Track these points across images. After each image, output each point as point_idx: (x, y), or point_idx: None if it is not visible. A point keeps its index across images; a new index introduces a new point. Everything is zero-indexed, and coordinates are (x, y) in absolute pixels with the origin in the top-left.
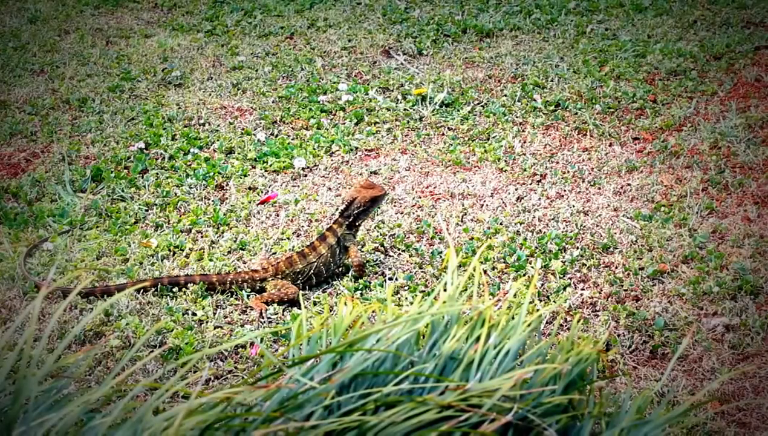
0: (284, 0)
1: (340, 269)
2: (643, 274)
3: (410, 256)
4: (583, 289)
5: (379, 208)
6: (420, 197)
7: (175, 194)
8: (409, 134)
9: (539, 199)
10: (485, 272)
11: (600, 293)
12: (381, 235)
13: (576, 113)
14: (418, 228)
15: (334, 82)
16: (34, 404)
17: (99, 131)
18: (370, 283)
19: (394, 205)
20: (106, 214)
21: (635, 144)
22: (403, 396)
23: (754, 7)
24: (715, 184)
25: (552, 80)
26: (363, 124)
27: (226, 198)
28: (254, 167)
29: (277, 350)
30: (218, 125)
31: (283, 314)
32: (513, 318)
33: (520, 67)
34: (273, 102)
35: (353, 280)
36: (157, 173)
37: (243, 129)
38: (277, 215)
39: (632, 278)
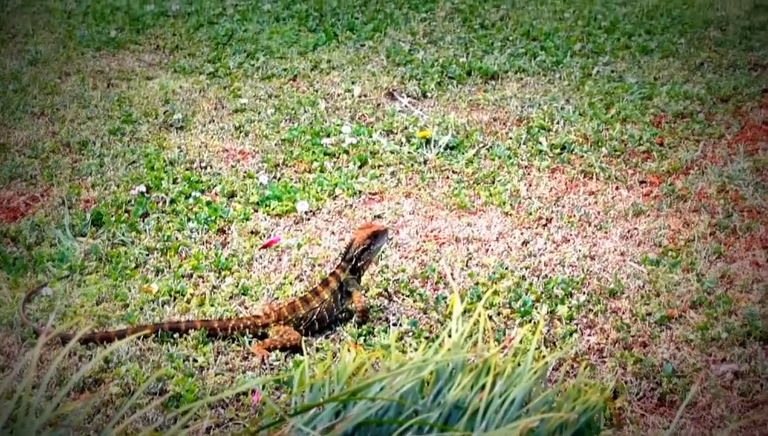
0: (287, 42)
1: (343, 315)
2: (651, 319)
3: (414, 301)
4: (589, 335)
5: (382, 249)
6: (424, 241)
7: (177, 239)
8: (413, 177)
9: (545, 243)
10: (490, 317)
11: (607, 339)
12: (385, 279)
13: (582, 156)
14: (422, 273)
15: (338, 125)
16: None
17: (99, 175)
18: (373, 329)
19: (398, 250)
20: (107, 259)
21: (642, 187)
22: None
23: (761, 49)
24: (723, 229)
25: (558, 123)
26: (367, 168)
27: (228, 242)
28: (256, 211)
29: (279, 398)
30: (220, 168)
31: (285, 361)
32: (519, 365)
33: (526, 109)
34: (276, 145)
35: (356, 326)
36: (158, 217)
37: (245, 172)
38: (280, 260)
39: (639, 323)
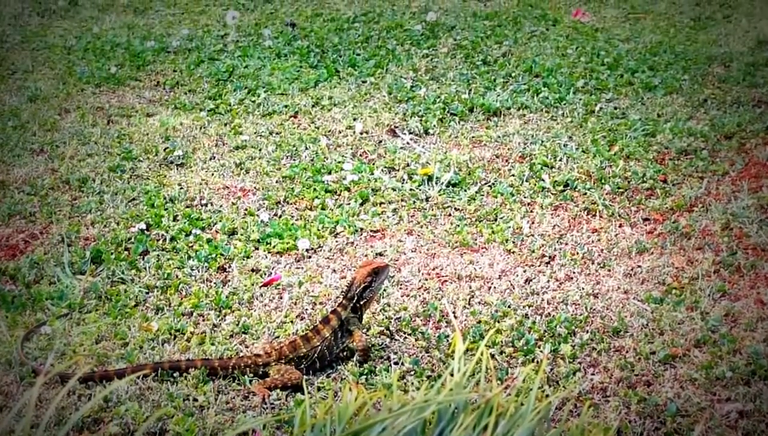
0: (288, 78)
1: (345, 353)
2: (655, 358)
3: (416, 340)
4: (593, 374)
5: (384, 285)
6: (426, 279)
7: (177, 276)
8: (415, 215)
9: (548, 281)
10: (493, 356)
11: (610, 377)
12: (386, 318)
13: (585, 193)
14: (424, 311)
15: (339, 162)
16: None
17: (99, 212)
18: (375, 367)
19: (400, 288)
20: (106, 297)
21: (645, 225)
22: None
23: (765, 86)
24: (728, 266)
25: (560, 160)
26: (368, 205)
27: (229, 280)
28: (257, 249)
29: None
30: (221, 206)
31: (286, 400)
32: (522, 405)
33: (528, 146)
34: (277, 182)
35: (358, 365)
36: (158, 255)
37: (246, 209)
38: (281, 298)
39: (643, 362)
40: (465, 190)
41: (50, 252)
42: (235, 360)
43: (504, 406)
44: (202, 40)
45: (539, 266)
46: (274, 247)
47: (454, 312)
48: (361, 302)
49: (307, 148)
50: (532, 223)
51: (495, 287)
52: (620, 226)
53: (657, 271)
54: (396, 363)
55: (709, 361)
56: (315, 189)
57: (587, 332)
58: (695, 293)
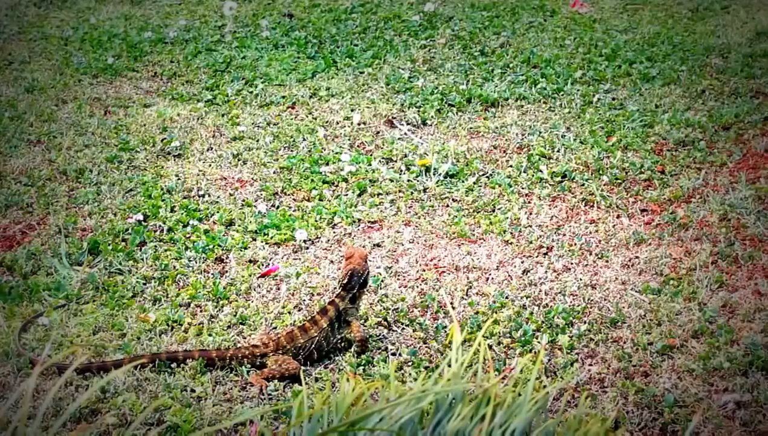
0: (286, 69)
1: (342, 344)
2: (652, 349)
3: (414, 330)
4: (590, 364)
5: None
6: (424, 270)
7: (174, 267)
8: (412, 206)
9: (546, 272)
10: (491, 347)
11: (608, 368)
12: (384, 309)
13: (583, 184)
14: (422, 302)
15: (337, 153)
16: None
17: (96, 203)
18: (373, 358)
19: (398, 279)
20: (103, 288)
21: (643, 216)
22: None
23: (763, 77)
24: (725, 257)
25: (558, 151)
26: (366, 196)
27: (226, 271)
28: (255, 240)
29: (277, 428)
30: (218, 197)
31: (284, 391)
32: (519, 396)
33: (526, 137)
34: (274, 173)
35: (356, 355)
36: (156, 246)
37: (243, 200)
38: (278, 289)
39: (641, 353)
40: (463, 181)
41: (47, 243)
42: (232, 351)
43: (501, 396)
44: (199, 31)
45: (537, 257)
46: (271, 238)
47: (451, 303)
48: (361, 292)
49: (304, 139)
50: (530, 214)
51: (493, 278)
52: (618, 217)
53: (654, 262)
54: (393, 354)
55: (706, 352)
56: (312, 180)
57: (585, 322)
58: (693, 284)
